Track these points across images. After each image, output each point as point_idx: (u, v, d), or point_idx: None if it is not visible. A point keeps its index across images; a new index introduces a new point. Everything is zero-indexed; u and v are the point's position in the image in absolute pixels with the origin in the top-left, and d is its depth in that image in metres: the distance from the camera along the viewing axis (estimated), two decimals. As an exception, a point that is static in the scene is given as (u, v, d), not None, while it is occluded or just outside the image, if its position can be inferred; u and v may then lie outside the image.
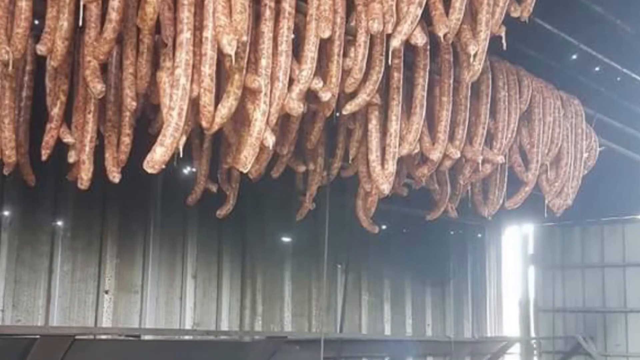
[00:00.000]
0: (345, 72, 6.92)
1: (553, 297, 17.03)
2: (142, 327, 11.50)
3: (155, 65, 6.32)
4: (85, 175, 6.69)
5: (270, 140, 6.24)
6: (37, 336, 9.04)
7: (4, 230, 10.18)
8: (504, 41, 7.81)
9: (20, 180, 7.58)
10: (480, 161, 8.73)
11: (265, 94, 6.18)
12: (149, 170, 5.70)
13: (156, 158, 5.64)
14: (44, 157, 6.76)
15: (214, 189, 8.77)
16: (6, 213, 10.23)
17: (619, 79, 12.17)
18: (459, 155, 8.39)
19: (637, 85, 12.14)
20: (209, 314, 12.41)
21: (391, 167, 7.61)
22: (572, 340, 16.42)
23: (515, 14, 8.03)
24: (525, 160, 9.57)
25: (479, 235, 17.49)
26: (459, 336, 16.58)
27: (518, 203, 9.84)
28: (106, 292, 11.19)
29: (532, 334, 17.50)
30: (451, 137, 8.31)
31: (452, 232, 16.58)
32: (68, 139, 6.65)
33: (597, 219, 16.26)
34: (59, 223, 10.75)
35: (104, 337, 10.75)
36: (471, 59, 7.32)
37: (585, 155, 10.16)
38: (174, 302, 12.00)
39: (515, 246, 18.02)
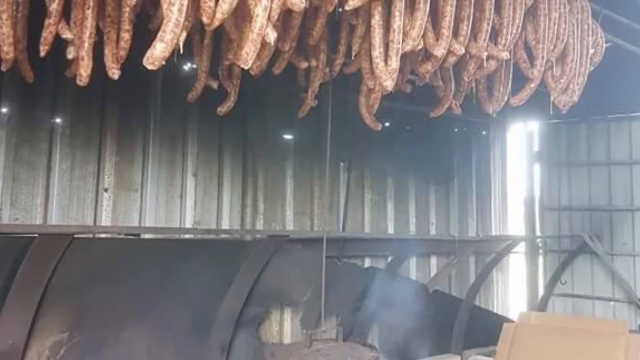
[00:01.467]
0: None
1: (559, 196, 17.12)
2: (142, 226, 11.57)
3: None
4: (84, 72, 6.71)
5: (271, 36, 6.26)
6: (36, 235, 9.18)
7: (2, 128, 10.26)
8: None
9: (19, 77, 7.57)
10: (484, 57, 8.67)
11: None
12: (149, 67, 5.72)
13: (156, 54, 5.66)
14: (42, 54, 6.80)
15: (214, 85, 8.74)
16: (4, 110, 10.29)
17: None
18: (463, 51, 8.34)
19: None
20: (209, 212, 12.52)
21: (394, 63, 7.60)
22: (578, 239, 16.60)
23: None
24: (530, 57, 9.54)
25: (484, 132, 17.54)
26: (463, 235, 16.78)
27: (523, 100, 9.86)
28: (105, 190, 11.25)
29: (537, 233, 17.65)
30: (455, 33, 8.28)
31: (456, 130, 16.65)
32: (67, 35, 6.68)
33: (604, 116, 16.34)
34: (58, 120, 10.80)
35: (103, 235, 10.83)
36: None
37: (591, 51, 10.19)
38: (174, 201, 12.10)
39: (520, 144, 18.09)
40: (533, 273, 17.53)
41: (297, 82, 9.73)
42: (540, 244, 17.56)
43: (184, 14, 5.69)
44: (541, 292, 17.39)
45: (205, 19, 5.98)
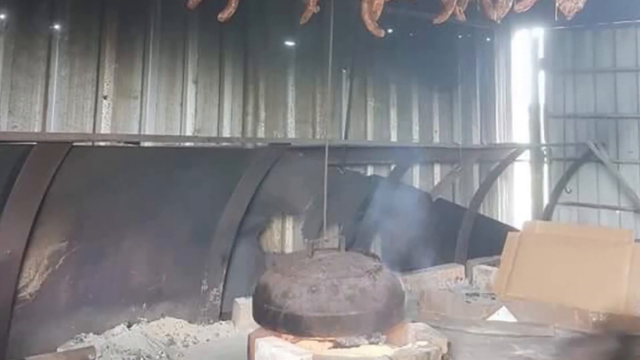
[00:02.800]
0: None
1: (564, 103, 17.26)
2: (142, 134, 11.83)
3: None
4: None
5: None
6: (34, 143, 9.33)
7: (0, 35, 10.46)
8: None
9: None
10: None
11: None
12: None
13: None
14: None
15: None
16: (2, 16, 10.46)
17: None
18: None
19: None
20: (210, 120, 12.73)
21: None
22: (583, 147, 16.77)
23: None
24: (536, -42, 9.80)
25: (488, 39, 17.56)
26: (467, 143, 16.84)
27: (528, 6, 9.95)
28: (105, 97, 11.48)
29: (542, 141, 17.81)
30: None
31: (460, 37, 16.69)
32: None
33: (609, 22, 16.33)
34: (57, 27, 10.97)
35: (102, 143, 11.04)
36: None
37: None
38: (174, 108, 12.33)
39: (525, 51, 18.07)
40: (538, 182, 17.68)
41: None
42: (545, 152, 17.68)
43: None
44: (546, 200, 17.59)
45: None
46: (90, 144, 10.75)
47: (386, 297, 8.64)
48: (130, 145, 10.79)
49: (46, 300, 10.05)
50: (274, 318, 8.43)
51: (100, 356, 9.03)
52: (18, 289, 9.76)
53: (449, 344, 9.07)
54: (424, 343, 8.73)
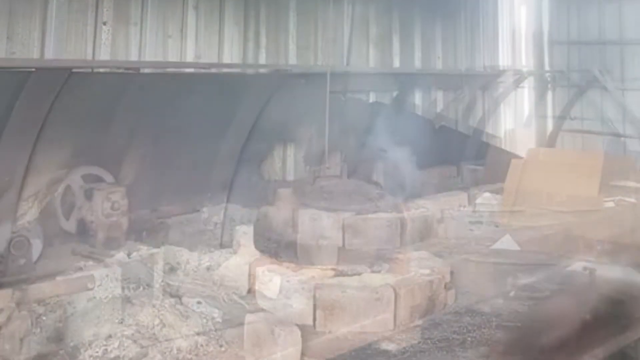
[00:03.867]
0: None
1: (568, 29, 18.61)
2: (143, 60, 13.11)
3: None
4: None
5: None
6: (33, 69, 10.38)
7: None
8: None
9: None
10: None
11: None
12: None
13: None
14: None
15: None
16: None
17: None
18: None
19: None
20: (211, 47, 14.06)
21: None
22: (587, 74, 18.20)
23: None
24: None
25: None
26: (470, 69, 18.23)
27: None
28: (104, 23, 12.56)
29: (546, 67, 19.18)
30: None
31: None
32: None
33: None
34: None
35: (101, 70, 12.24)
36: None
37: None
38: (174, 35, 13.70)
39: None
40: (541, 109, 19.17)
41: None
42: (549, 79, 19.12)
43: None
44: (550, 128, 19.16)
45: None
46: (89, 70, 11.87)
47: (393, 176, 10.95)
48: (130, 71, 12.10)
49: (136, 190, 11.56)
50: (275, 246, 10.23)
51: (100, 284, 9.33)
52: (17, 216, 10.87)
53: (451, 273, 9.90)
54: (427, 271, 9.66)
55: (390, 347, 8.10)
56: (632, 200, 14.07)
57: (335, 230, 10.80)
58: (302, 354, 7.86)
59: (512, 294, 10.06)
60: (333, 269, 9.86)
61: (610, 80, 18.17)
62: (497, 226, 13.47)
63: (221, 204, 13.03)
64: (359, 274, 9.59)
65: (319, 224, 10.86)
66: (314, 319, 8.72)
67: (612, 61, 18.20)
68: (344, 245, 10.85)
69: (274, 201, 12.50)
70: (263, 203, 12.94)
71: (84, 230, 10.31)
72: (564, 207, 13.21)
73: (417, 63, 17.64)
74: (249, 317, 8.08)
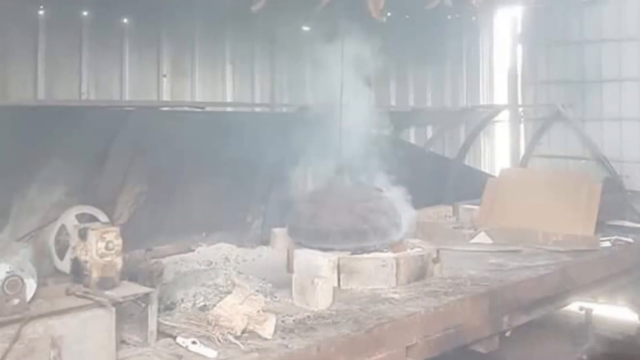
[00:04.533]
0: None
1: (537, 71, 17.20)
2: (224, 101, 12.69)
3: None
4: None
5: None
6: (132, 108, 10.32)
7: (84, 30, 10.84)
8: None
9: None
10: None
11: None
12: None
13: None
14: None
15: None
16: (85, 13, 10.83)
17: None
18: None
19: None
20: (244, 92, 13.15)
21: None
22: (553, 108, 16.70)
23: None
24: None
25: (473, 18, 17.54)
26: (455, 106, 17.26)
27: None
28: (164, 75, 11.89)
29: (519, 103, 17.73)
30: None
31: (449, 17, 16.62)
32: None
33: (578, 0, 16.11)
34: (126, 21, 11.37)
35: (165, 108, 11.72)
36: None
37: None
38: (216, 83, 12.67)
39: (505, 26, 18.00)
40: (515, 137, 17.62)
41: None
42: (522, 113, 17.69)
43: None
44: (522, 152, 17.57)
45: None
46: (167, 109, 11.55)
47: (389, 215, 9.78)
48: (196, 110, 11.56)
49: (131, 231, 10.11)
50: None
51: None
52: (113, 221, 10.05)
53: (437, 251, 9.82)
54: (419, 249, 9.76)
55: (394, 296, 8.68)
56: (629, 240, 12.29)
57: (331, 270, 9.05)
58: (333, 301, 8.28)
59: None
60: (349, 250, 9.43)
61: (572, 112, 16.54)
62: (475, 229, 12.62)
63: (261, 211, 12.14)
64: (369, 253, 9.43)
65: (314, 264, 9.17)
66: (339, 280, 9.01)
67: (575, 97, 16.59)
68: (339, 285, 9.04)
69: (270, 241, 11.43)
70: (258, 242, 11.80)
71: (78, 270, 8.01)
72: (560, 247, 11.49)
73: (411, 102, 16.43)
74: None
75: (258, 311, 7.43)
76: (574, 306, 11.08)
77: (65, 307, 6.92)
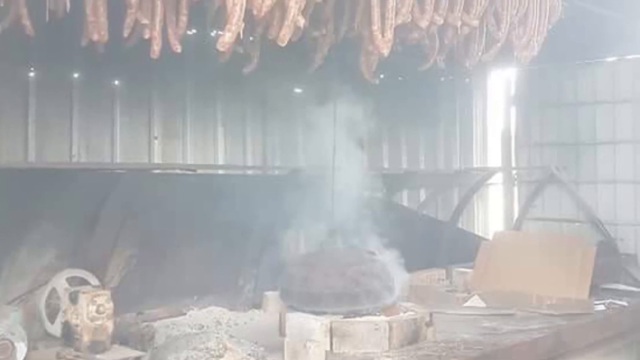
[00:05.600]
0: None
1: (531, 133, 17.40)
2: (200, 164, 12.50)
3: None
4: (157, 48, 7.74)
5: (301, 21, 7.77)
6: (122, 171, 10.33)
7: (75, 92, 10.92)
8: None
9: (90, 52, 8.55)
10: (459, 25, 9.78)
11: None
12: (221, 49, 7.39)
13: (226, 40, 7.23)
14: (126, 35, 7.80)
15: (241, 50, 9.23)
16: (76, 75, 10.91)
17: None
18: (442, 22, 9.48)
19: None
20: (236, 154, 13.15)
21: (389, 35, 8.75)
22: (547, 170, 16.84)
23: None
24: (497, 21, 10.41)
25: (467, 80, 17.65)
26: (448, 169, 17.25)
27: (492, 57, 10.75)
28: (155, 138, 11.92)
29: (513, 165, 17.91)
30: (436, 7, 9.27)
31: (442, 79, 16.68)
32: (144, 20, 7.68)
33: (572, 62, 16.32)
34: (117, 83, 11.49)
35: (156, 171, 11.65)
36: None
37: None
38: (207, 146, 12.71)
39: (499, 88, 18.20)
40: (509, 200, 17.75)
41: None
42: (515, 176, 17.80)
43: (243, 11, 7.11)
44: (516, 215, 17.72)
45: (255, 11, 7.26)
46: (158, 172, 11.50)
47: (382, 278, 9.79)
48: (188, 172, 11.54)
49: (122, 294, 10.22)
50: (298, 297, 9.34)
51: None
52: (104, 284, 10.09)
53: (430, 315, 9.80)
54: (412, 313, 9.71)
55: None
56: (623, 303, 12.49)
57: (323, 334, 8.99)
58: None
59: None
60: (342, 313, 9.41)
61: (566, 175, 16.77)
62: (469, 292, 12.76)
63: (253, 274, 12.15)
64: (361, 316, 9.44)
65: (306, 328, 9.12)
66: (331, 344, 8.94)
67: (569, 159, 16.85)
68: (331, 349, 9.03)
69: (262, 304, 11.26)
70: (250, 306, 11.86)
71: (69, 334, 8.44)
72: (554, 310, 11.58)
73: (404, 165, 16.42)
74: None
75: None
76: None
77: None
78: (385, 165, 15.95)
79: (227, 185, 11.58)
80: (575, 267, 12.28)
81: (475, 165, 17.94)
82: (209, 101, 12.78)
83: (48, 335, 9.42)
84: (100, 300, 8.12)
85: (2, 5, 7.37)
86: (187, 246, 11.42)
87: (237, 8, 7.07)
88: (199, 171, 11.93)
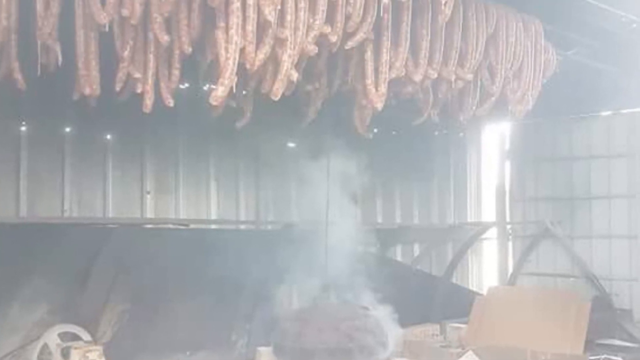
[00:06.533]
0: (347, 17, 8.25)
1: (526, 187, 17.37)
2: (194, 218, 12.57)
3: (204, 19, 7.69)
4: (149, 102, 7.82)
5: (294, 75, 7.92)
6: (114, 226, 10.40)
7: (67, 146, 11.07)
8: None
9: (82, 106, 8.58)
10: (453, 79, 9.86)
11: (290, 42, 7.67)
12: (214, 103, 7.46)
13: (219, 94, 7.35)
14: (118, 89, 7.88)
15: (234, 104, 9.32)
16: (68, 130, 11.08)
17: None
18: (436, 75, 9.60)
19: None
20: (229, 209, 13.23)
21: (383, 89, 8.94)
22: (541, 225, 16.85)
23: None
24: (491, 74, 10.49)
25: (461, 134, 17.72)
26: (443, 223, 17.31)
27: (486, 110, 10.83)
28: (148, 192, 11.99)
29: (507, 220, 17.73)
30: (430, 61, 9.36)
31: (436, 133, 16.89)
32: (137, 74, 7.78)
33: (566, 116, 16.42)
34: (109, 137, 11.63)
35: (148, 226, 11.73)
36: (443, 6, 8.51)
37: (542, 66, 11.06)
38: (200, 200, 12.79)
39: (493, 142, 18.22)
40: (503, 255, 17.64)
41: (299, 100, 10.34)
42: (510, 231, 17.72)
43: (236, 64, 7.26)
44: (510, 270, 17.62)
45: (248, 65, 7.47)
46: (150, 226, 11.57)
47: (375, 334, 9.79)
48: (181, 227, 11.63)
49: (114, 349, 10.22)
50: (291, 352, 9.36)
51: None
52: (96, 340, 10.04)
53: None
54: None
55: None
56: (618, 358, 12.35)
57: None
58: None
59: None
60: None
61: (561, 230, 16.75)
62: (463, 348, 12.17)
63: (245, 330, 12.18)
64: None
65: None
66: None
67: (563, 214, 16.82)
68: None
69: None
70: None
71: None
72: None
73: (398, 219, 16.50)
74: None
75: None
76: None
77: None
78: (379, 220, 15.98)
79: (220, 240, 11.54)
80: (570, 323, 12.22)
81: (469, 220, 17.99)
82: (202, 155, 12.88)
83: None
84: (92, 355, 8.19)
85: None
86: (179, 301, 11.38)
87: (230, 62, 7.21)
88: (192, 226, 12.00)
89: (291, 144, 13.99)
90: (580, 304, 12.71)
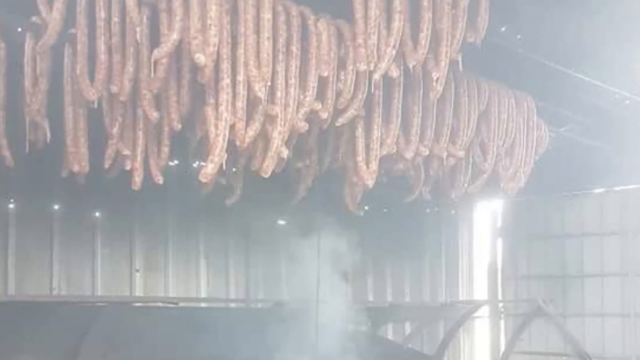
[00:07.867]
0: (337, 93, 8.35)
1: (518, 265, 17.36)
2: (184, 297, 12.51)
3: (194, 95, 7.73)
4: (138, 179, 7.91)
5: (285, 152, 8.01)
6: (104, 304, 10.39)
7: (55, 224, 10.98)
8: (460, 65, 9.03)
9: (71, 183, 8.54)
10: (444, 156, 9.86)
11: (280, 118, 7.75)
12: (203, 180, 7.54)
13: (208, 171, 7.43)
14: (107, 166, 7.94)
15: (223, 182, 9.34)
16: (56, 207, 11.03)
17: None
18: (427, 152, 9.63)
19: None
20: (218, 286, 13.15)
21: (374, 166, 8.98)
22: (534, 303, 16.66)
23: (471, 40, 9.00)
24: (483, 151, 10.48)
25: (453, 212, 17.61)
26: (434, 301, 17.09)
27: (478, 188, 10.80)
28: (137, 270, 11.93)
29: (500, 298, 17.69)
30: (421, 138, 9.34)
31: (427, 210, 16.67)
32: (126, 152, 7.84)
33: (559, 193, 16.42)
34: (98, 215, 11.58)
35: (137, 304, 11.65)
36: (434, 83, 8.43)
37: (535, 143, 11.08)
38: (190, 278, 12.72)
39: (485, 220, 18.18)
40: (495, 334, 17.59)
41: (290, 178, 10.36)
42: (502, 309, 17.71)
43: (226, 141, 7.32)
44: (502, 350, 17.45)
45: (238, 142, 7.54)
46: (139, 304, 11.52)
47: None
48: (170, 305, 11.57)
49: None
50: None
51: None
52: None
53: None
54: None
55: None
56: None
57: None
58: None
59: None
60: None
61: (553, 308, 16.60)
62: None
63: None
64: None
65: None
66: None
67: (556, 292, 16.78)
68: None
69: None
70: None
71: None
72: None
73: (389, 297, 16.36)
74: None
75: None
76: None
77: None
78: (370, 298, 15.87)
79: (210, 319, 11.48)
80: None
81: (461, 298, 17.84)
82: (192, 233, 12.82)
83: None
84: None
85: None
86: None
87: (220, 139, 7.21)
88: (181, 304, 11.90)
89: (281, 222, 13.93)
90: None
